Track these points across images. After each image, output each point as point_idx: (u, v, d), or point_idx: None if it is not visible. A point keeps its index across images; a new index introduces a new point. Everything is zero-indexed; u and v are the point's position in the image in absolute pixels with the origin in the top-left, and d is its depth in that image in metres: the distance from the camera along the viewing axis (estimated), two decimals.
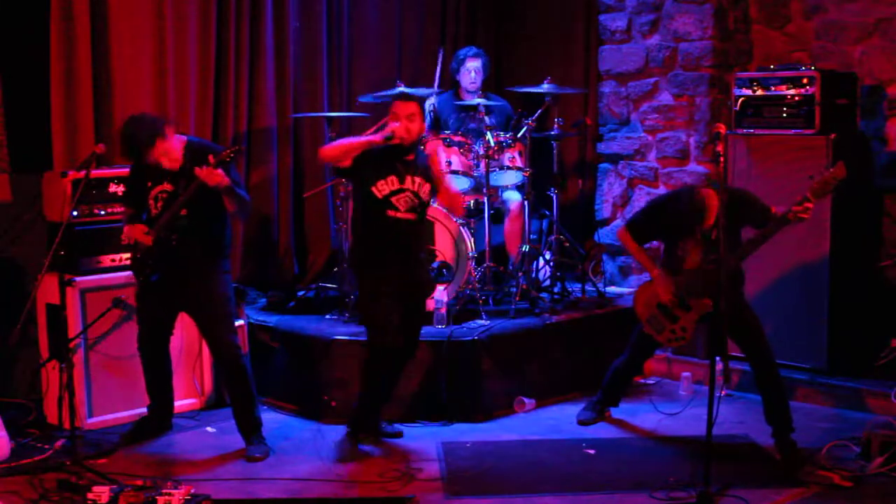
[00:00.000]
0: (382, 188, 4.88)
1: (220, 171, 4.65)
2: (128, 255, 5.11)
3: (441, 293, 5.67)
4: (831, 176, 4.53)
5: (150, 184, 4.89)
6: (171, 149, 4.81)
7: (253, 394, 4.98)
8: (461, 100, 6.62)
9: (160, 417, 5.22)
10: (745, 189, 5.12)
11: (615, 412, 5.46)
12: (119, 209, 5.16)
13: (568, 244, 6.46)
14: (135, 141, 4.73)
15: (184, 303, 5.00)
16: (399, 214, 4.90)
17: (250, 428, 4.95)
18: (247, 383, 4.95)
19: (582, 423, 5.39)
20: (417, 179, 4.95)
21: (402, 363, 5.16)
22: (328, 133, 6.44)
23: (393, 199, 4.89)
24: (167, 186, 4.85)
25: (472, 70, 6.59)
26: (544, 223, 6.85)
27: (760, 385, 4.85)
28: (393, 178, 4.89)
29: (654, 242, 6.02)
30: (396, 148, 4.90)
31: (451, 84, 6.81)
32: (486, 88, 6.78)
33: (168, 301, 5.01)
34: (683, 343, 5.07)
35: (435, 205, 5.54)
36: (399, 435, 5.20)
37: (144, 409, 5.23)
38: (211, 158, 4.64)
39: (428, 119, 6.61)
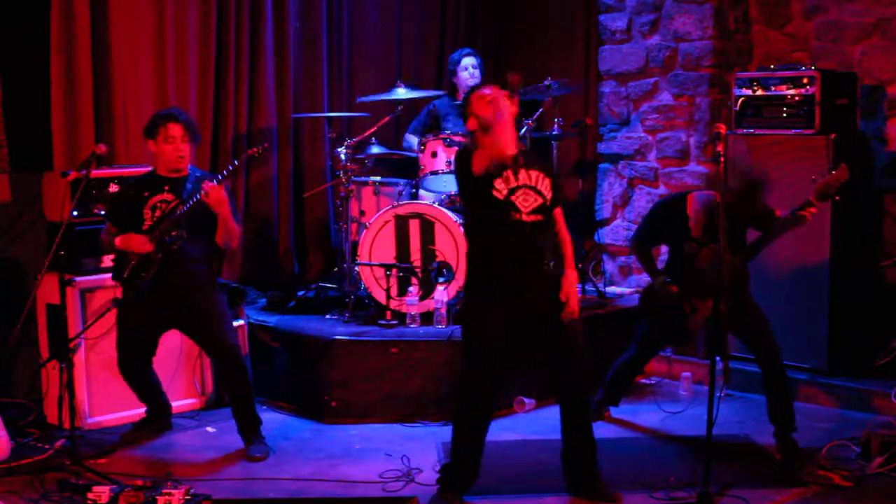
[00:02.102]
0: (502, 187, 4.11)
1: (223, 194, 4.67)
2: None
3: (441, 293, 5.67)
4: (834, 179, 4.50)
5: (146, 193, 4.89)
6: (183, 146, 4.85)
7: (252, 394, 4.98)
8: (459, 101, 6.62)
9: (159, 418, 5.22)
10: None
11: (615, 412, 5.46)
12: None
13: None
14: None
15: (176, 319, 4.95)
16: (524, 217, 4.12)
17: (250, 428, 4.95)
18: (247, 383, 4.95)
19: None
20: (534, 172, 4.16)
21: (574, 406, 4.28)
22: (328, 133, 6.45)
23: (513, 199, 4.11)
24: (167, 196, 4.86)
25: (469, 66, 6.57)
26: None
27: (766, 384, 4.83)
28: (508, 174, 4.12)
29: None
30: None
31: (448, 87, 6.81)
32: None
33: (158, 317, 4.92)
34: (690, 343, 5.07)
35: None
36: None
37: (144, 410, 5.22)
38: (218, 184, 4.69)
39: (426, 121, 6.63)
